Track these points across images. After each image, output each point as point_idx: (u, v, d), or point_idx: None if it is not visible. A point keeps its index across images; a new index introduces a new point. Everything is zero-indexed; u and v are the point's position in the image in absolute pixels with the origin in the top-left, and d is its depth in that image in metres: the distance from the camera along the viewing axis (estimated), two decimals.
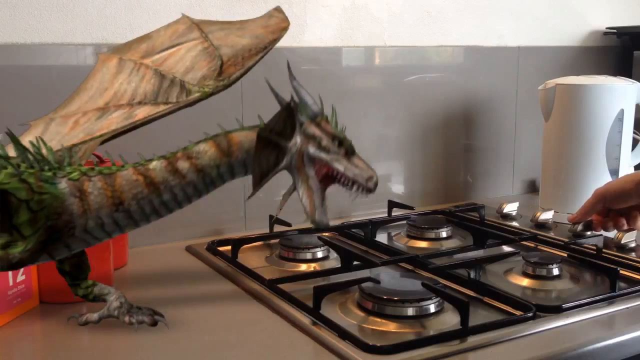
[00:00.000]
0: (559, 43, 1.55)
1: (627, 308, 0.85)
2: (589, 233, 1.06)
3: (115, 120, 0.76)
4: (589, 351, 0.75)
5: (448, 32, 1.39)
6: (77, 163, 0.71)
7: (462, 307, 0.77)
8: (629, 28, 1.57)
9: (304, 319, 0.79)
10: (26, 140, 0.72)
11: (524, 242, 1.11)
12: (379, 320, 0.80)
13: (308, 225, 1.16)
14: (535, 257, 0.97)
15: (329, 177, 0.71)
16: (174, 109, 0.76)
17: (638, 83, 1.28)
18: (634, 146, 1.32)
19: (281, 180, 1.22)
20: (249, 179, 1.17)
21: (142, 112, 0.76)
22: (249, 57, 0.78)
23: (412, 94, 1.35)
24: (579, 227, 1.06)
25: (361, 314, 0.82)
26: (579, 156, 1.26)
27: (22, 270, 0.82)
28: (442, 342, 0.73)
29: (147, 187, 0.69)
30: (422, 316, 0.80)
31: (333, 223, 1.19)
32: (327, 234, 1.14)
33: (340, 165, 0.70)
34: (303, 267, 1.00)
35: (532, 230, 1.16)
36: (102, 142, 0.76)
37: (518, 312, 0.81)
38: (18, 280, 0.82)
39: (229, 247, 1.03)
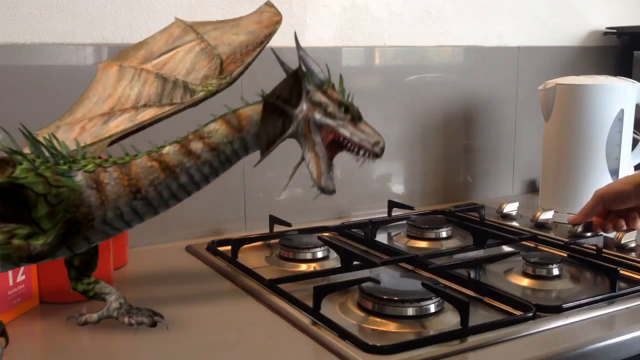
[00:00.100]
0: (559, 43, 1.55)
1: (627, 308, 0.85)
2: (589, 234, 1.06)
3: (122, 123, 0.76)
4: (589, 351, 0.75)
5: (448, 32, 1.39)
6: (91, 156, 0.71)
7: (462, 307, 0.77)
8: (629, 28, 1.57)
9: (304, 319, 0.79)
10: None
11: (524, 242, 1.11)
12: (379, 320, 0.80)
13: (308, 225, 1.18)
14: (535, 257, 0.97)
15: (336, 144, 0.71)
16: (180, 109, 0.76)
17: (638, 83, 1.28)
18: (634, 146, 1.32)
19: (281, 180, 1.22)
20: (248, 179, 1.18)
21: (147, 115, 0.76)
22: (247, 53, 0.79)
23: (412, 94, 1.35)
24: (579, 229, 1.06)
25: (361, 314, 0.82)
26: (579, 156, 1.26)
27: (22, 270, 0.82)
28: (442, 342, 0.73)
29: (163, 172, 0.69)
30: (422, 316, 0.80)
31: (333, 223, 1.20)
32: (327, 234, 1.14)
33: (346, 131, 0.70)
34: (303, 267, 1.00)
35: (532, 230, 1.16)
36: (110, 144, 0.76)
37: (518, 312, 0.81)
38: (18, 280, 0.82)
39: (229, 247, 1.03)
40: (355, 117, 0.70)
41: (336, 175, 1.32)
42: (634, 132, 1.31)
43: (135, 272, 1.00)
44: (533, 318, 0.80)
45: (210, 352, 0.74)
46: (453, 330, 0.77)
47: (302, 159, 0.71)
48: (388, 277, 0.88)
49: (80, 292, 0.79)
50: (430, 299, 0.81)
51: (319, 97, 0.70)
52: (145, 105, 0.77)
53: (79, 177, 0.68)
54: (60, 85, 1.02)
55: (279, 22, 0.81)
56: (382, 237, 1.15)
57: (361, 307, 0.82)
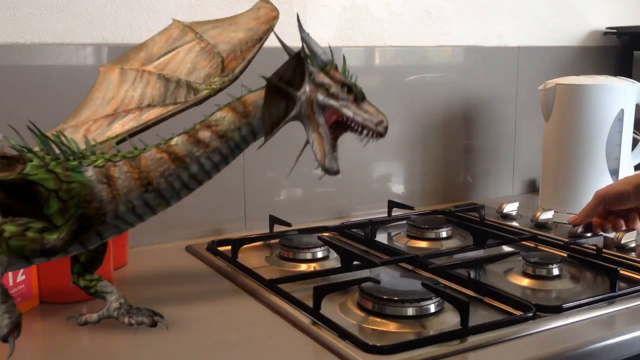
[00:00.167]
0: (559, 43, 1.55)
1: (627, 308, 0.85)
2: (589, 234, 1.06)
3: (127, 123, 0.76)
4: (589, 351, 0.75)
5: (448, 32, 1.39)
6: (100, 152, 0.71)
7: (462, 307, 0.77)
8: (629, 28, 1.57)
9: (304, 319, 0.79)
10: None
11: (524, 242, 1.11)
12: (379, 320, 0.80)
13: (308, 225, 1.18)
14: (535, 257, 0.97)
15: (340, 125, 0.71)
16: (185, 108, 0.77)
17: (638, 83, 1.28)
18: (634, 146, 1.32)
19: (281, 179, 1.23)
20: (248, 180, 1.18)
21: (152, 114, 0.76)
22: (247, 49, 0.79)
23: (412, 94, 1.35)
24: (579, 229, 1.06)
25: (361, 314, 0.82)
26: (579, 156, 1.25)
27: (22, 270, 0.82)
28: (442, 342, 0.73)
29: (173, 163, 0.69)
30: (422, 316, 0.80)
31: (333, 223, 1.20)
32: (327, 234, 1.14)
33: (349, 111, 0.69)
34: (303, 267, 1.00)
35: (532, 230, 1.16)
36: (117, 143, 0.76)
37: (518, 312, 0.81)
38: (18, 280, 0.82)
39: (229, 247, 1.03)
40: (358, 97, 0.70)
41: (336, 175, 1.32)
42: (634, 132, 1.31)
43: (135, 272, 1.00)
44: (533, 318, 0.80)
45: (210, 352, 0.74)
46: (453, 330, 0.77)
47: (307, 141, 0.71)
48: (388, 277, 0.88)
49: (81, 287, 0.79)
50: (430, 299, 0.81)
51: (322, 78, 0.70)
52: (149, 106, 0.78)
53: (90, 172, 0.68)
54: (60, 85, 1.02)
55: (276, 17, 0.81)
56: (382, 237, 1.15)
57: (361, 307, 0.82)
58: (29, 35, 1.02)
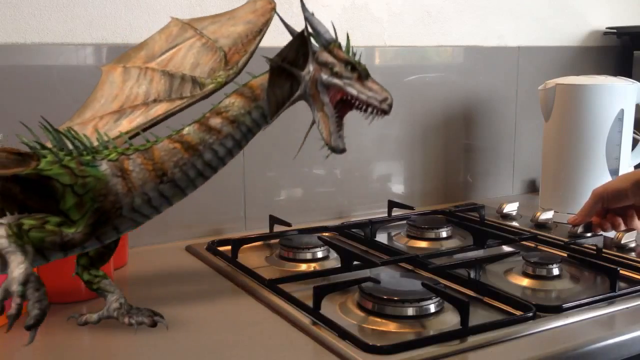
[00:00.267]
0: (559, 43, 1.55)
1: (627, 308, 0.85)
2: (589, 234, 1.06)
3: (134, 119, 0.77)
4: (589, 351, 0.75)
5: (448, 32, 1.39)
6: (112, 145, 0.71)
7: (462, 307, 0.77)
8: (629, 28, 1.57)
9: (304, 319, 0.79)
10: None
11: (524, 242, 1.11)
12: (379, 320, 0.80)
13: (308, 225, 1.17)
14: (535, 257, 0.97)
15: (345, 103, 0.71)
16: (192, 102, 0.77)
17: (638, 83, 1.28)
18: (634, 146, 1.32)
19: (281, 180, 1.22)
20: (248, 180, 1.18)
21: (159, 110, 0.76)
22: (248, 42, 0.79)
23: (412, 94, 1.35)
24: (579, 229, 1.06)
25: (361, 314, 0.82)
26: (579, 156, 1.26)
27: None
28: (442, 342, 0.74)
29: (186, 152, 0.69)
30: (422, 316, 0.80)
31: (333, 223, 1.20)
32: (327, 234, 1.14)
33: (353, 90, 0.69)
34: (303, 267, 1.00)
35: (532, 230, 1.16)
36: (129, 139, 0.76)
37: (518, 312, 0.81)
38: None
39: (229, 247, 1.03)
40: (362, 75, 0.70)
41: (336, 175, 1.33)
42: (634, 132, 1.31)
43: (135, 272, 1.00)
44: (533, 318, 0.80)
45: (210, 352, 0.74)
46: (453, 330, 0.77)
47: (314, 121, 0.71)
48: (388, 277, 0.88)
49: (84, 280, 0.79)
50: (430, 299, 0.81)
51: (326, 57, 0.70)
52: (155, 101, 0.78)
53: (104, 166, 0.69)
54: (60, 85, 1.02)
55: (273, 9, 0.81)
56: (382, 237, 1.15)
57: (361, 307, 0.82)
58: (29, 35, 1.02)
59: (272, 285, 0.89)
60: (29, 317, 0.62)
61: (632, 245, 1.06)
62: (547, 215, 1.21)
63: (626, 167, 1.28)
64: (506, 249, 1.09)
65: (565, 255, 1.04)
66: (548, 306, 0.83)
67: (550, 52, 1.52)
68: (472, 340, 0.74)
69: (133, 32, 1.08)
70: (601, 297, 0.87)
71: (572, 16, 1.56)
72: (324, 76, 0.69)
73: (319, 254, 1.02)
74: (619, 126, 1.25)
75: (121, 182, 0.68)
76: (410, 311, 0.81)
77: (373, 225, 1.14)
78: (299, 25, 0.70)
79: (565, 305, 0.83)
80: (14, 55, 1.01)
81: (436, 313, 0.81)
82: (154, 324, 0.76)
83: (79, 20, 1.05)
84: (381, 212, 1.26)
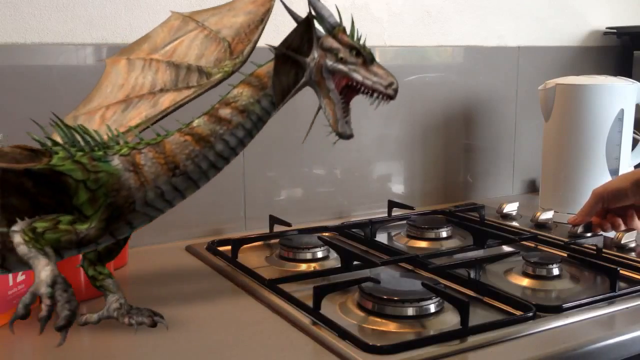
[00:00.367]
0: (559, 43, 1.55)
1: (627, 308, 0.85)
2: (589, 234, 1.06)
3: (143, 110, 0.76)
4: (589, 351, 0.75)
5: (448, 32, 1.39)
6: (123, 140, 0.71)
7: (462, 307, 0.77)
8: (629, 28, 1.57)
9: (304, 319, 0.79)
10: (57, 136, 0.72)
11: (524, 242, 1.11)
12: (379, 320, 0.80)
13: (308, 225, 1.17)
14: (535, 257, 0.97)
15: (350, 88, 0.71)
16: (201, 92, 0.76)
17: (638, 83, 1.28)
18: (634, 146, 1.32)
19: (281, 180, 1.22)
20: (248, 180, 1.18)
21: (167, 99, 0.76)
22: (251, 32, 0.79)
23: (412, 94, 1.35)
24: (579, 229, 1.06)
25: (361, 314, 0.82)
26: (579, 156, 1.26)
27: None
28: (442, 342, 0.74)
29: (197, 144, 0.69)
30: (422, 316, 0.80)
31: (333, 223, 1.20)
32: (327, 234, 1.14)
33: (358, 75, 0.70)
34: (303, 267, 1.00)
35: (532, 230, 1.16)
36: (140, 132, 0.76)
37: (518, 312, 0.81)
38: (18, 281, 0.82)
39: (229, 247, 1.03)
40: (367, 60, 0.70)
41: (336, 175, 1.33)
42: (634, 132, 1.31)
43: (135, 272, 1.00)
44: (533, 318, 0.80)
45: (210, 352, 0.74)
46: (453, 330, 0.77)
47: (320, 106, 0.71)
48: (388, 277, 0.88)
49: (88, 275, 0.79)
50: (430, 299, 0.81)
51: (330, 42, 0.70)
52: (162, 90, 0.77)
53: (116, 161, 0.69)
54: (60, 85, 1.02)
55: None
56: (382, 237, 1.15)
57: (361, 307, 0.82)
58: (29, 35, 1.02)
59: (272, 285, 0.89)
60: (59, 319, 0.62)
61: (632, 245, 1.06)
62: (547, 215, 1.21)
63: (626, 167, 1.28)
64: (506, 249, 1.09)
65: (565, 255, 1.04)
66: (548, 306, 0.83)
67: (550, 52, 1.52)
68: (472, 340, 0.74)
69: (133, 32, 1.08)
70: (601, 297, 0.87)
71: (572, 16, 1.56)
72: (329, 62, 0.69)
73: (319, 254, 1.02)
74: (619, 126, 1.25)
75: (133, 176, 0.68)
76: (410, 311, 0.81)
77: (373, 225, 1.14)
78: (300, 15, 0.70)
79: (565, 305, 0.83)
80: (14, 55, 1.01)
81: (436, 313, 0.81)
82: (154, 324, 0.76)
83: (79, 20, 1.05)
84: (381, 212, 1.26)
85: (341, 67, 0.70)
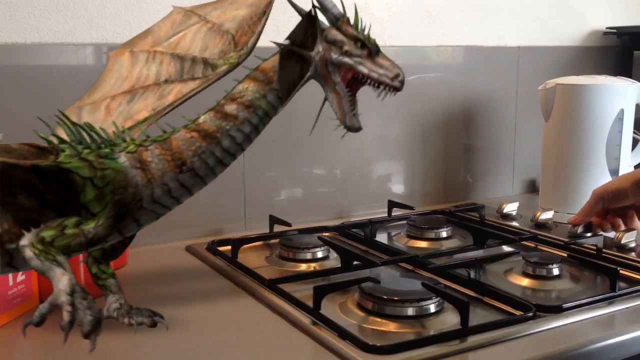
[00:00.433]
0: (559, 43, 1.55)
1: (627, 308, 0.85)
2: (589, 234, 1.06)
3: (150, 101, 0.76)
4: (589, 351, 0.75)
5: (448, 32, 1.39)
6: (129, 138, 0.71)
7: (462, 307, 0.77)
8: (629, 28, 1.57)
9: (304, 319, 0.79)
10: (61, 132, 0.72)
11: (524, 242, 1.11)
12: (379, 320, 0.80)
13: (308, 225, 1.17)
14: (535, 257, 0.97)
15: (356, 80, 0.71)
16: (207, 84, 0.76)
17: (638, 83, 1.28)
18: (634, 146, 1.32)
19: (281, 180, 1.22)
20: (248, 180, 1.18)
21: (173, 90, 0.76)
22: (254, 23, 0.78)
23: (412, 94, 1.35)
24: (579, 229, 1.06)
25: (361, 314, 0.82)
26: (579, 156, 1.26)
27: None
28: (442, 342, 0.74)
29: (204, 140, 0.69)
30: (422, 316, 0.80)
31: (333, 223, 1.20)
32: (327, 234, 1.14)
33: (364, 68, 0.69)
34: (303, 267, 1.00)
35: (532, 230, 1.16)
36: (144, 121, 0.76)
37: (518, 312, 0.81)
38: (18, 280, 0.82)
39: (229, 247, 1.03)
40: (373, 52, 0.70)
41: (336, 175, 1.33)
42: (634, 132, 1.31)
43: (135, 272, 1.00)
44: (533, 318, 0.80)
45: (210, 352, 0.74)
46: (453, 330, 0.77)
47: (326, 98, 0.71)
48: (388, 277, 0.88)
49: (91, 273, 0.79)
50: (430, 299, 0.81)
51: (334, 35, 0.70)
52: (167, 81, 0.77)
53: (122, 158, 0.68)
54: (60, 85, 1.02)
55: None
56: (382, 237, 1.15)
57: (361, 307, 0.82)
58: (29, 35, 1.02)
59: (272, 285, 0.89)
60: (84, 325, 0.63)
61: (632, 245, 1.06)
62: (547, 215, 1.21)
63: (626, 167, 1.28)
64: (506, 249, 1.09)
65: (565, 255, 1.04)
66: (548, 306, 0.83)
67: (550, 52, 1.52)
68: (472, 340, 0.74)
69: (133, 32, 1.07)
70: (601, 297, 0.87)
71: (572, 16, 1.56)
72: (334, 55, 0.69)
73: (319, 254, 1.02)
74: (619, 126, 1.25)
75: (140, 173, 0.68)
76: (410, 311, 0.81)
77: (373, 225, 1.14)
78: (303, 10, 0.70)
79: (565, 305, 0.83)
80: (14, 55, 1.01)
81: (436, 313, 0.81)
82: (153, 324, 0.76)
83: (79, 20, 1.05)
84: (381, 212, 1.26)
85: (346, 60, 0.69)
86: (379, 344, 0.71)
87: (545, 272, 0.95)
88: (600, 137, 1.24)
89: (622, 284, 0.91)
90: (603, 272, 0.95)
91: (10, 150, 0.66)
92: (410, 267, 0.99)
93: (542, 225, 1.20)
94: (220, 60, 0.77)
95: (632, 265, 0.98)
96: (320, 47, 0.69)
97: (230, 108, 0.70)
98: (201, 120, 0.70)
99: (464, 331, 0.76)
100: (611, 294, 0.87)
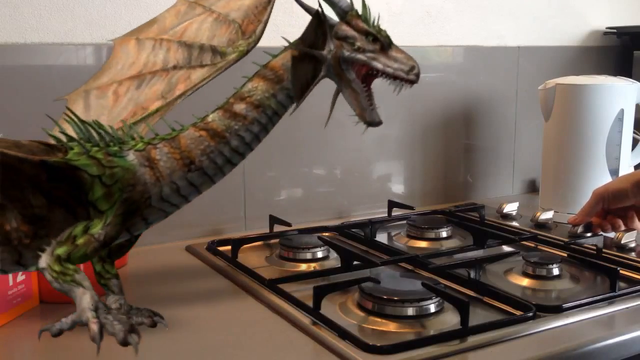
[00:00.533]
0: (559, 43, 1.55)
1: (627, 308, 0.85)
2: (589, 234, 1.06)
3: (159, 88, 0.76)
4: (589, 351, 0.75)
5: (448, 32, 1.39)
6: (138, 136, 0.71)
7: (462, 307, 0.77)
8: (629, 28, 1.57)
9: (304, 319, 0.79)
10: (68, 127, 0.71)
11: (524, 242, 1.11)
12: (379, 320, 0.80)
13: (308, 225, 1.17)
14: (535, 257, 0.97)
15: (371, 74, 0.70)
16: (217, 73, 0.75)
17: (638, 83, 1.28)
18: (634, 146, 1.32)
19: (282, 180, 1.22)
20: (248, 180, 1.18)
21: (181, 77, 0.75)
22: (260, 12, 0.78)
23: (412, 94, 1.33)
24: (579, 229, 1.06)
25: (361, 314, 0.82)
26: (579, 156, 1.25)
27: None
28: (442, 342, 0.74)
29: (212, 140, 0.69)
30: (422, 316, 0.80)
31: (333, 223, 1.20)
32: (327, 234, 1.14)
33: (378, 64, 0.69)
34: (303, 267, 1.00)
35: (532, 230, 1.16)
36: (156, 111, 0.76)
37: (518, 312, 0.81)
38: (18, 280, 0.82)
39: (229, 247, 1.03)
40: (385, 45, 0.69)
41: (336, 175, 1.33)
42: (634, 132, 1.31)
43: (135, 272, 1.00)
44: (533, 318, 0.80)
45: (210, 352, 0.74)
46: (453, 330, 0.77)
47: (338, 91, 0.71)
48: (388, 277, 0.88)
49: (95, 271, 0.78)
50: (430, 299, 0.81)
51: (345, 30, 0.69)
52: (175, 67, 0.77)
53: (131, 156, 0.68)
54: (60, 85, 1.02)
55: None
56: (382, 237, 1.15)
57: (361, 307, 0.82)
58: (29, 35, 1.02)
59: (272, 285, 0.89)
60: (116, 336, 0.64)
61: (632, 245, 1.06)
62: (547, 215, 1.21)
63: (626, 167, 1.28)
64: (506, 249, 1.09)
65: (565, 255, 1.04)
66: (548, 306, 0.83)
67: (550, 52, 1.52)
68: (472, 340, 0.74)
69: None
70: (601, 297, 0.87)
71: (572, 16, 1.56)
72: (346, 53, 0.69)
73: (319, 254, 1.02)
74: (619, 126, 1.25)
75: (149, 171, 0.68)
76: (410, 311, 0.81)
77: (373, 225, 1.14)
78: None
79: (565, 305, 0.83)
80: (14, 55, 1.01)
81: (436, 313, 0.81)
82: (153, 325, 0.76)
83: (79, 20, 1.05)
84: (381, 212, 1.26)
85: (359, 56, 0.69)
86: (379, 344, 0.71)
87: (545, 272, 0.95)
88: (600, 137, 1.24)
89: (622, 284, 0.91)
90: (603, 272, 0.95)
91: (20, 145, 0.66)
92: (410, 267, 0.99)
93: (542, 225, 1.20)
94: (229, 48, 0.76)
95: (632, 265, 0.98)
96: (331, 46, 0.69)
97: (239, 107, 0.69)
98: (210, 119, 0.70)
99: (464, 331, 0.76)
100: (611, 294, 0.87)
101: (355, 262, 0.95)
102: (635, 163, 1.34)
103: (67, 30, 1.04)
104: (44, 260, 0.65)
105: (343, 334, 0.74)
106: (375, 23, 0.70)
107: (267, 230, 1.13)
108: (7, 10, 1.00)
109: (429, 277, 0.93)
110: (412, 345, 0.73)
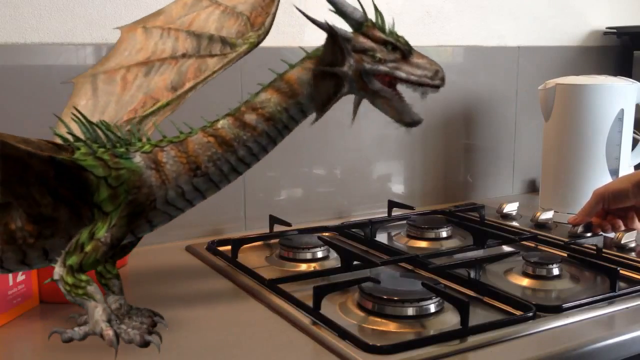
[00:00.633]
0: (559, 43, 1.55)
1: (627, 308, 0.85)
2: (589, 234, 1.06)
3: (168, 76, 0.75)
4: (589, 351, 0.75)
5: (448, 32, 1.39)
6: (145, 137, 0.71)
7: (462, 307, 0.77)
8: (629, 28, 1.57)
9: (304, 319, 0.79)
10: (77, 100, 0.71)
11: (524, 242, 1.11)
12: (379, 320, 0.80)
13: (308, 225, 1.17)
14: (535, 257, 0.97)
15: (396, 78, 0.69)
16: (227, 65, 0.75)
17: (638, 83, 1.28)
18: (634, 146, 1.32)
19: (282, 180, 1.22)
20: (248, 180, 1.18)
21: (191, 67, 0.75)
22: (267, 5, 0.78)
23: (412, 94, 1.34)
24: (579, 229, 1.06)
25: (361, 313, 0.82)
26: (579, 156, 1.25)
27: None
28: (442, 342, 0.74)
29: (220, 147, 0.69)
30: (422, 316, 0.80)
31: (333, 223, 1.20)
32: (327, 234, 1.14)
33: (402, 73, 0.68)
34: (303, 267, 1.00)
35: (532, 230, 1.16)
36: (167, 104, 0.76)
37: (518, 312, 0.81)
38: (18, 280, 0.82)
39: (229, 247, 1.03)
40: (406, 52, 0.69)
41: (336, 175, 1.33)
42: (634, 132, 1.31)
43: (135, 272, 1.00)
44: (533, 318, 0.80)
45: (210, 352, 0.74)
46: (453, 330, 0.77)
47: (360, 99, 0.70)
48: (388, 277, 0.88)
49: (96, 271, 0.78)
50: (430, 299, 0.81)
51: (362, 42, 0.68)
52: (184, 56, 0.76)
53: (137, 158, 0.68)
54: (60, 85, 1.02)
55: None
56: (382, 237, 1.15)
57: (361, 307, 0.82)
58: (29, 35, 1.02)
59: (272, 285, 0.89)
60: (136, 340, 0.65)
61: (632, 245, 1.06)
62: (547, 215, 1.21)
63: (626, 167, 1.28)
64: (506, 249, 1.09)
65: (565, 255, 1.04)
66: (548, 306, 0.83)
67: (550, 52, 1.52)
68: (472, 340, 0.74)
69: None
70: (601, 297, 0.87)
71: (572, 16, 1.56)
72: (367, 66, 0.68)
73: (319, 254, 1.02)
74: (619, 126, 1.25)
75: (155, 174, 0.68)
76: (410, 311, 0.81)
77: (373, 225, 1.14)
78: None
79: (565, 305, 0.83)
80: (14, 55, 1.01)
81: (436, 313, 0.81)
82: (153, 325, 0.76)
83: (79, 20, 1.05)
84: (381, 212, 1.26)
85: (382, 68, 0.68)
86: (379, 344, 0.71)
87: (545, 272, 0.95)
88: (600, 137, 1.24)
89: (622, 284, 0.91)
90: (603, 272, 0.95)
91: (28, 141, 0.66)
92: (410, 267, 0.99)
93: (542, 225, 1.20)
94: (239, 40, 0.76)
95: (632, 265, 0.98)
96: (351, 61, 0.68)
97: (250, 118, 0.69)
98: (219, 125, 0.69)
99: (464, 331, 0.76)
100: (611, 294, 0.87)
101: (355, 262, 0.95)
102: (635, 163, 1.34)
103: (67, 30, 1.04)
104: (57, 272, 0.66)
105: (343, 334, 0.74)
106: (392, 30, 0.69)
107: (267, 230, 1.13)
108: (7, 10, 1.00)
109: (429, 277, 0.93)
110: (412, 345, 0.73)
